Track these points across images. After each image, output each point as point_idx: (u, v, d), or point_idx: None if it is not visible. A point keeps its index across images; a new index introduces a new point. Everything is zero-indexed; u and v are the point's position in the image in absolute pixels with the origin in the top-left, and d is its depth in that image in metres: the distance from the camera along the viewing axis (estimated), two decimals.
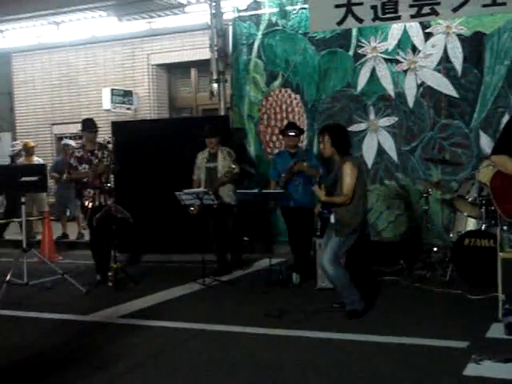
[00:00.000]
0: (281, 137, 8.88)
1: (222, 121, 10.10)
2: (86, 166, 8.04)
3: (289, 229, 7.98)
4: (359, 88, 9.27)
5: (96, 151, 8.11)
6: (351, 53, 9.30)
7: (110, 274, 7.73)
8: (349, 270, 6.14)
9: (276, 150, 9.55)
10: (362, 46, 9.22)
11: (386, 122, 9.15)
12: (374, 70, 9.17)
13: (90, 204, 7.96)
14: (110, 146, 8.17)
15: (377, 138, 9.19)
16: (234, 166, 8.10)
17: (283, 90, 9.85)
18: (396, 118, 9.09)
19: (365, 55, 9.21)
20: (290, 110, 9.80)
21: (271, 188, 7.94)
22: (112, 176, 8.18)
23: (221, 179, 8.17)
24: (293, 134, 7.87)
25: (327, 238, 6.19)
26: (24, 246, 7.75)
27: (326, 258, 6.05)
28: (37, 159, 11.76)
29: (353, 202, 5.95)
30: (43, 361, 5.17)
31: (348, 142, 6.18)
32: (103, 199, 8.03)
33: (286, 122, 9.46)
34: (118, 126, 9.85)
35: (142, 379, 4.64)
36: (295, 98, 9.76)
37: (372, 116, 9.22)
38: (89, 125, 8.22)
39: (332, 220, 6.13)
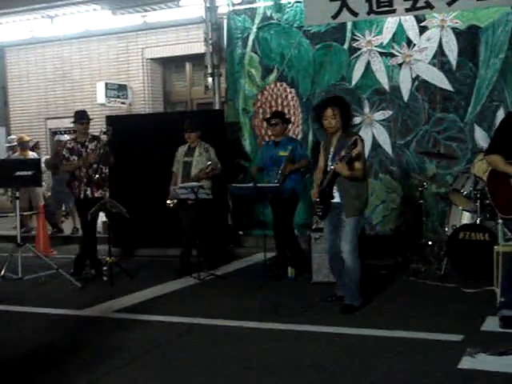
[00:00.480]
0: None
1: (216, 115, 10.09)
2: (76, 158, 8.04)
3: (275, 218, 7.89)
4: (354, 82, 9.26)
5: (87, 143, 8.09)
6: (346, 46, 9.28)
7: (105, 268, 7.72)
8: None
9: None
10: (357, 40, 9.21)
11: (380, 115, 9.14)
12: (368, 64, 9.16)
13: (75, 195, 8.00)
14: (104, 137, 8.08)
15: (371, 132, 9.19)
16: (208, 163, 8.00)
17: (278, 84, 9.83)
18: (391, 112, 9.09)
19: (360, 49, 9.20)
20: (285, 103, 9.78)
21: (253, 173, 8.04)
22: (105, 168, 8.07)
23: (198, 175, 8.05)
24: (274, 122, 7.87)
25: (331, 223, 5.98)
26: (18, 240, 7.73)
27: (349, 246, 5.83)
28: (32, 153, 11.74)
29: (365, 177, 6.00)
30: (38, 356, 5.16)
31: (352, 116, 6.20)
32: (89, 191, 7.95)
33: None
34: (112, 120, 9.81)
35: (137, 373, 4.63)
36: (290, 92, 9.74)
37: (367, 110, 9.21)
38: (79, 116, 8.20)
39: (338, 199, 5.86)
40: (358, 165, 5.74)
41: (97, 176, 7.85)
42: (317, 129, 8.78)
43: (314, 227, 7.43)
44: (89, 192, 7.97)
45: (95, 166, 7.89)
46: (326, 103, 5.99)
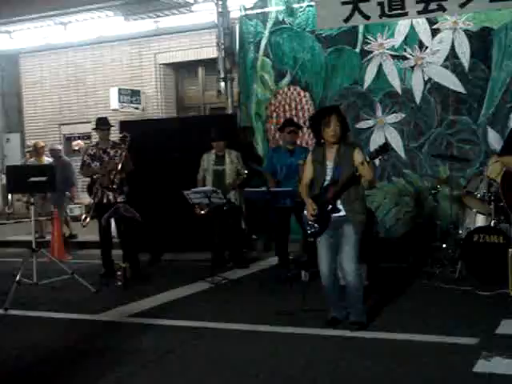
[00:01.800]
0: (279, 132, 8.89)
1: (229, 119, 10.12)
2: (98, 164, 8.15)
3: (281, 229, 7.91)
4: (366, 85, 9.26)
5: (109, 149, 8.17)
6: (358, 50, 9.28)
7: (119, 273, 7.75)
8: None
9: None
10: (369, 43, 9.21)
11: (393, 118, 9.13)
12: (380, 67, 9.16)
13: (96, 200, 8.04)
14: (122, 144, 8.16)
15: (384, 135, 9.17)
16: (245, 172, 8.17)
17: (292, 88, 9.84)
18: (403, 115, 9.07)
19: (371, 52, 9.20)
20: (299, 107, 9.79)
21: (268, 180, 7.94)
22: (123, 175, 8.14)
23: (233, 184, 8.31)
24: (292, 130, 7.87)
25: (327, 240, 5.58)
26: (33, 245, 7.77)
27: (354, 266, 5.43)
28: (47, 159, 11.82)
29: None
30: (54, 360, 5.19)
31: (348, 127, 5.80)
32: (112, 196, 8.06)
33: (295, 120, 9.49)
34: (125, 126, 9.84)
35: (151, 378, 4.64)
36: (304, 96, 9.75)
37: (379, 113, 9.20)
38: (101, 123, 8.35)
39: (343, 213, 5.48)
40: (366, 170, 5.38)
41: (115, 183, 7.95)
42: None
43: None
44: (111, 197, 8.04)
45: (115, 172, 7.97)
46: (326, 111, 5.64)
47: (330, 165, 5.55)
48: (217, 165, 8.37)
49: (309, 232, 5.68)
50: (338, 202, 5.49)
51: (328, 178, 5.55)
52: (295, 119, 9.51)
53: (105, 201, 8.09)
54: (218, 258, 8.36)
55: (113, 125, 8.60)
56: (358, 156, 5.43)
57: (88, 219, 8.07)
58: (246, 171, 8.31)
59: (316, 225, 5.56)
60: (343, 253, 5.48)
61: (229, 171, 8.30)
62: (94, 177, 8.20)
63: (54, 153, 11.73)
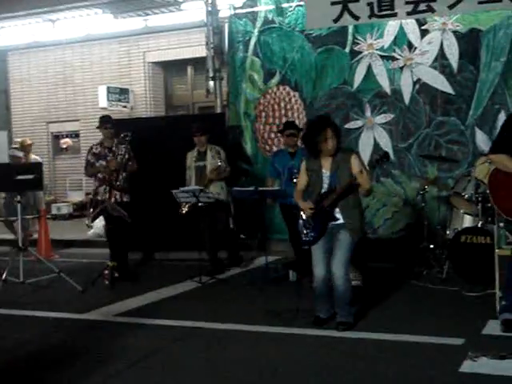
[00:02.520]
0: (279, 134, 8.86)
1: (218, 118, 10.09)
2: (103, 163, 8.06)
3: (289, 227, 7.88)
4: (356, 85, 9.26)
5: (114, 148, 8.11)
6: (347, 50, 9.29)
7: (106, 272, 7.71)
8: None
9: (274, 148, 9.58)
10: (358, 43, 9.22)
11: (382, 119, 9.15)
12: (370, 67, 9.17)
13: (106, 196, 7.95)
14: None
15: (373, 135, 9.19)
16: (219, 164, 8.06)
17: (281, 88, 9.84)
18: (392, 115, 9.09)
19: (361, 52, 9.21)
20: (288, 107, 9.79)
21: (269, 186, 7.90)
22: (124, 174, 8.05)
23: (208, 177, 8.15)
24: (292, 132, 7.85)
25: (323, 246, 5.59)
26: (20, 244, 7.73)
27: (344, 269, 5.47)
28: (34, 157, 11.74)
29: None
30: (40, 359, 5.16)
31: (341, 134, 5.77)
32: (119, 196, 7.99)
33: (284, 120, 9.49)
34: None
35: (138, 377, 4.63)
36: (294, 96, 9.75)
37: (368, 113, 9.22)
38: (104, 121, 8.25)
39: (341, 220, 5.52)
40: (364, 178, 5.48)
41: (118, 183, 7.90)
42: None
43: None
44: (118, 196, 7.98)
45: (120, 171, 7.93)
46: (322, 125, 5.52)
47: (326, 173, 5.57)
48: (198, 161, 8.30)
49: (304, 239, 5.66)
50: (337, 209, 5.51)
51: (325, 185, 5.57)
52: (284, 119, 9.54)
53: (112, 200, 7.99)
54: (215, 259, 8.28)
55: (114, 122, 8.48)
56: (355, 162, 5.48)
57: (92, 219, 8.03)
58: (220, 164, 8.16)
59: (312, 233, 5.57)
60: (335, 257, 5.50)
61: (210, 166, 8.22)
62: (100, 176, 8.06)
63: (14, 160, 11.14)
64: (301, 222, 5.66)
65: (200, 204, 7.77)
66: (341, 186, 5.45)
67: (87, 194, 8.40)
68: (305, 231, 5.61)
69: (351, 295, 5.61)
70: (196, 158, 8.31)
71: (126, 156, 8.02)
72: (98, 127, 8.35)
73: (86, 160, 8.29)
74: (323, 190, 5.56)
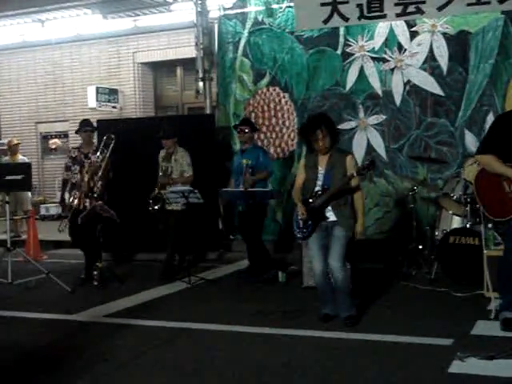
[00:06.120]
0: (268, 135, 8.89)
1: (207, 119, 10.08)
2: (78, 168, 7.99)
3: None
4: (348, 86, 9.27)
5: (90, 154, 8.03)
6: (339, 51, 9.29)
7: (95, 273, 7.67)
8: None
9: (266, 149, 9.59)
10: (350, 45, 9.22)
11: (374, 120, 9.16)
12: (362, 69, 9.18)
13: (75, 202, 7.89)
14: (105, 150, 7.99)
15: (366, 136, 9.21)
16: (187, 172, 8.05)
17: (271, 89, 9.83)
18: (384, 116, 9.10)
19: (353, 54, 9.21)
20: (278, 108, 9.78)
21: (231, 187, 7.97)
22: (101, 182, 7.93)
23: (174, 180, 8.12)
24: (241, 129, 7.88)
25: (318, 241, 5.74)
26: (8, 245, 7.69)
27: (340, 263, 5.61)
28: (21, 158, 11.70)
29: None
30: (28, 360, 5.12)
31: (338, 132, 5.93)
32: (88, 203, 7.86)
33: (274, 121, 9.51)
34: (103, 125, 9.77)
35: (127, 378, 4.61)
36: (284, 97, 9.74)
37: (361, 114, 9.23)
38: (84, 124, 8.16)
39: (334, 218, 5.65)
40: (356, 181, 5.70)
41: (94, 192, 7.83)
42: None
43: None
44: (88, 204, 7.88)
45: (96, 178, 7.85)
46: (313, 126, 5.65)
47: (321, 170, 5.73)
48: (163, 162, 8.28)
49: (298, 236, 5.89)
50: (329, 208, 5.67)
51: (319, 182, 5.72)
52: (274, 120, 9.56)
53: (81, 207, 7.92)
54: (170, 262, 8.22)
55: (95, 126, 8.41)
56: (350, 163, 5.68)
57: (65, 223, 7.98)
58: (190, 172, 8.11)
59: (304, 230, 5.76)
60: (331, 251, 5.66)
61: (174, 170, 8.16)
62: (73, 181, 8.01)
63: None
64: (295, 218, 5.86)
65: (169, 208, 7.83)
66: (335, 187, 5.59)
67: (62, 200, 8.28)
68: (298, 228, 5.81)
69: (351, 286, 5.81)
70: (163, 158, 8.30)
71: (103, 165, 7.87)
72: (77, 131, 8.27)
73: (65, 163, 8.24)
74: (317, 188, 5.71)
